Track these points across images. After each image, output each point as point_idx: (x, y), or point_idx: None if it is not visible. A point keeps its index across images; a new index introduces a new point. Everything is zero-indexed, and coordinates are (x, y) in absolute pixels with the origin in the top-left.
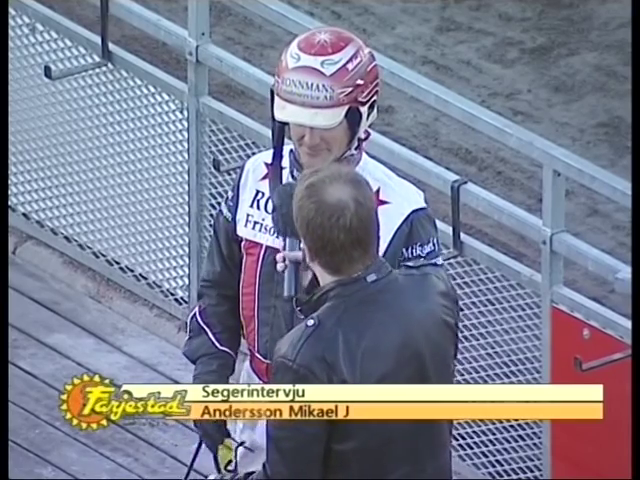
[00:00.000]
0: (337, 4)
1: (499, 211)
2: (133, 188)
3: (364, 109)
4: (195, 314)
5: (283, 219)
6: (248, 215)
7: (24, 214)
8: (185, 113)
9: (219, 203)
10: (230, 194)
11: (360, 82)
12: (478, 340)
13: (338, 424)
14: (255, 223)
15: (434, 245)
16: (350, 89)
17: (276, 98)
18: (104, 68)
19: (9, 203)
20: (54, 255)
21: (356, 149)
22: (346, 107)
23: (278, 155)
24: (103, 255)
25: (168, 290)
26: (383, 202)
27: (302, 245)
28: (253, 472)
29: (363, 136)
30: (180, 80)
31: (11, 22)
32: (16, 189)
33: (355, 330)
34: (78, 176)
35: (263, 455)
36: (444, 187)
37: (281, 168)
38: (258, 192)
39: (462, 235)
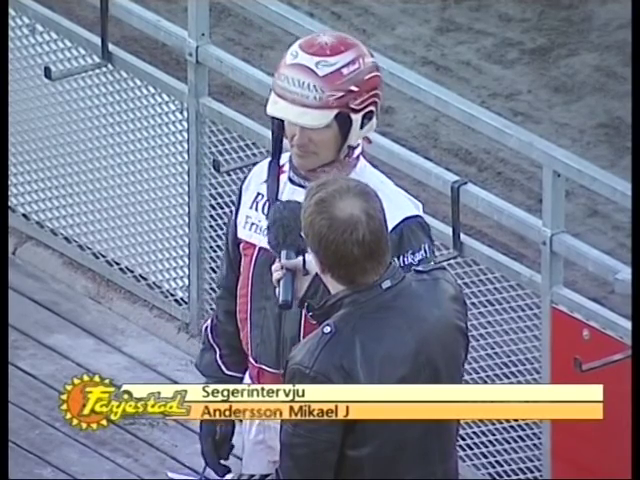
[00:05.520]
0: (337, 5)
1: (499, 212)
2: (133, 189)
3: (356, 117)
4: (207, 327)
5: (284, 231)
6: (247, 217)
7: (24, 215)
8: (185, 114)
9: (219, 204)
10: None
11: (354, 89)
12: (478, 341)
13: (352, 431)
14: (252, 224)
15: (426, 252)
16: (341, 93)
17: (271, 93)
18: (104, 69)
19: (9, 204)
20: (54, 256)
21: (346, 157)
22: (335, 111)
23: (276, 156)
24: (103, 256)
25: (168, 291)
26: None
27: (304, 255)
28: (268, 475)
29: (354, 144)
30: (180, 81)
31: (11, 23)
32: (16, 190)
33: (372, 337)
34: (78, 177)
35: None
36: (444, 188)
37: (279, 169)
38: (259, 194)
39: (462, 236)
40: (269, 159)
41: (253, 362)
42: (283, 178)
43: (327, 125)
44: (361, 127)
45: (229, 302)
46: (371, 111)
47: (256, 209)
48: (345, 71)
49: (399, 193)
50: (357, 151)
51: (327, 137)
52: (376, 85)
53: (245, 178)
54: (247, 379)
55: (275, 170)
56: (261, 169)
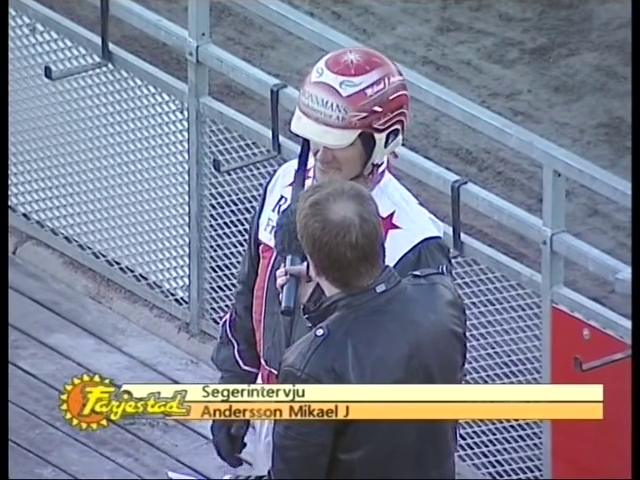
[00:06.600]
0: (337, 4)
1: (499, 211)
2: (133, 188)
3: (380, 136)
4: (226, 322)
5: (290, 236)
6: (269, 219)
7: (24, 214)
8: (185, 113)
9: (219, 204)
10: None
11: (377, 109)
12: (478, 340)
13: (344, 434)
14: (272, 227)
15: (443, 272)
16: (365, 114)
17: (296, 108)
18: (104, 68)
19: (9, 203)
20: (54, 255)
21: (370, 174)
22: (358, 131)
23: (303, 163)
24: (103, 255)
25: (168, 290)
26: (395, 226)
27: (308, 261)
28: (264, 476)
29: (379, 162)
30: (180, 80)
31: (11, 22)
32: (16, 189)
33: (364, 340)
34: (78, 176)
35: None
36: (444, 187)
37: (304, 177)
38: (282, 197)
39: (462, 235)
40: (296, 160)
41: (264, 364)
42: (308, 183)
43: (351, 144)
44: (385, 145)
45: (249, 298)
46: (396, 129)
47: (278, 212)
48: (369, 92)
49: (421, 212)
50: (382, 167)
51: (351, 155)
52: (402, 104)
53: (271, 178)
54: (259, 379)
55: (301, 177)
56: (287, 169)
